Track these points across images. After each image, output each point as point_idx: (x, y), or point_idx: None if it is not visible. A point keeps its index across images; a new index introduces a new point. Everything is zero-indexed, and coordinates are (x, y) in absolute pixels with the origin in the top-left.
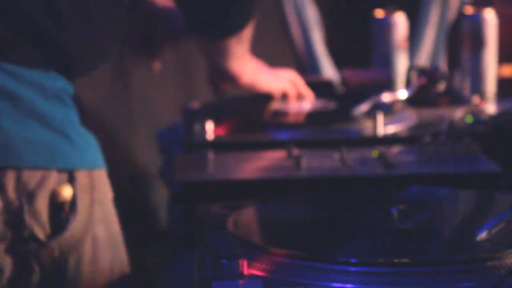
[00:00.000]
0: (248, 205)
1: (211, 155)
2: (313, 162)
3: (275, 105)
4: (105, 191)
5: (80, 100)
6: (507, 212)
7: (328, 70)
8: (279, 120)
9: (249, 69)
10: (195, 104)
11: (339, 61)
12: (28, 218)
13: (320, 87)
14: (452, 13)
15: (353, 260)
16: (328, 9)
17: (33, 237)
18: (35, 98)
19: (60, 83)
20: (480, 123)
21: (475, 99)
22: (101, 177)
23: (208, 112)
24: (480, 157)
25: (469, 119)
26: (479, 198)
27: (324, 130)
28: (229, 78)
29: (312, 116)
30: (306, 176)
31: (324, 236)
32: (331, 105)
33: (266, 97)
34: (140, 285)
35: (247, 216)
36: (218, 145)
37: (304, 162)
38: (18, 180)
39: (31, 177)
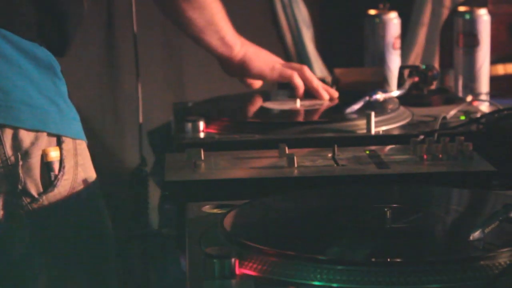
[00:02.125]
0: (239, 204)
1: (202, 154)
2: (306, 161)
3: (267, 104)
4: (86, 157)
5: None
6: (500, 211)
7: (319, 70)
8: (271, 118)
9: (244, 48)
10: (187, 103)
11: (331, 60)
12: (22, 174)
13: None
14: (444, 12)
15: (345, 260)
16: (320, 8)
17: (25, 192)
18: (30, 66)
19: (52, 58)
20: (473, 122)
21: (468, 98)
22: (83, 146)
23: (199, 111)
24: (472, 156)
25: (462, 118)
26: (472, 197)
27: (317, 129)
28: (225, 49)
29: (305, 115)
30: (298, 175)
31: (316, 235)
32: (324, 103)
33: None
34: (131, 286)
35: (239, 216)
36: (209, 144)
37: (296, 161)
38: (15, 138)
39: (26, 136)
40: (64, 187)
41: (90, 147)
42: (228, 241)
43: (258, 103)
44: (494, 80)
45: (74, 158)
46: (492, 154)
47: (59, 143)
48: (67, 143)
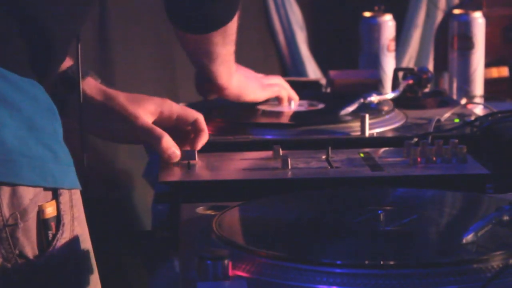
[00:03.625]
0: (233, 206)
1: (196, 155)
2: (300, 163)
3: (261, 105)
4: (80, 208)
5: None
6: (493, 214)
7: (312, 71)
8: (265, 120)
9: (236, 80)
10: (181, 105)
11: (326, 62)
12: (21, 236)
13: (307, 88)
14: (439, 15)
15: (338, 262)
16: (315, 10)
17: (22, 256)
18: (31, 110)
19: (49, 99)
20: (467, 124)
21: (462, 101)
22: (77, 196)
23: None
24: (467, 159)
25: (456, 121)
26: (466, 200)
27: (311, 130)
28: (216, 89)
29: (299, 117)
30: (292, 177)
31: (310, 237)
32: (318, 105)
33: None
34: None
35: (232, 217)
36: (203, 145)
37: (290, 163)
38: (14, 195)
39: (26, 193)
40: (61, 246)
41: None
42: (221, 242)
43: (253, 104)
44: (489, 83)
45: (71, 211)
46: (486, 157)
47: (56, 197)
48: (64, 195)
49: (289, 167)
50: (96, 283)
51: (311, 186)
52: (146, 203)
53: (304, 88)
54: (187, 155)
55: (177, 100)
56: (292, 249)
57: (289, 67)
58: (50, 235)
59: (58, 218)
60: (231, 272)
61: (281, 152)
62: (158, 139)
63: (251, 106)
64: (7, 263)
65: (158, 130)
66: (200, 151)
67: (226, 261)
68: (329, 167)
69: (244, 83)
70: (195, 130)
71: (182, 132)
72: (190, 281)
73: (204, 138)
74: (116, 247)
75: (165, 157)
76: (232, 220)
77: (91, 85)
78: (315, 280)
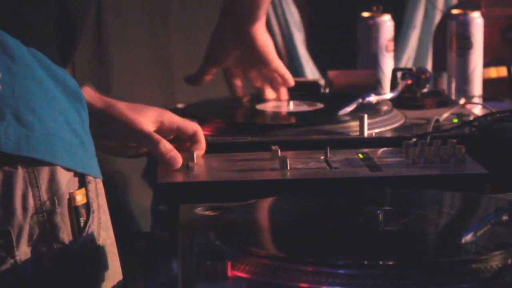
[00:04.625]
0: (232, 206)
1: (195, 156)
2: (298, 164)
3: (260, 106)
4: (104, 199)
5: None
6: (492, 215)
7: (310, 72)
8: (264, 121)
9: (264, 32)
10: (179, 105)
11: (324, 63)
12: (58, 221)
13: (306, 88)
14: (437, 15)
15: (338, 262)
16: (313, 10)
17: (59, 241)
18: (61, 95)
19: (78, 86)
20: (466, 125)
21: (461, 101)
22: (101, 185)
23: (192, 113)
24: (465, 159)
25: (455, 121)
26: (464, 200)
27: (310, 131)
28: (244, 40)
29: (298, 117)
30: (291, 178)
31: (309, 238)
32: (317, 106)
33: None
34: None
35: (231, 218)
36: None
37: (289, 164)
38: (52, 179)
39: (62, 177)
40: (92, 233)
41: None
42: (220, 243)
43: (251, 105)
44: (487, 83)
45: (97, 200)
46: (485, 157)
47: (84, 184)
48: (91, 183)
49: (288, 168)
50: (118, 270)
51: (310, 187)
52: (142, 204)
53: (302, 89)
54: (186, 156)
55: (174, 101)
56: (291, 250)
57: (287, 68)
58: (82, 222)
59: (88, 205)
60: (230, 273)
61: (279, 152)
62: (156, 143)
63: (249, 106)
64: (44, 247)
65: (156, 135)
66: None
67: (225, 262)
68: (327, 168)
69: (268, 38)
70: (193, 141)
71: (181, 143)
72: (189, 282)
73: (200, 150)
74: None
75: (165, 160)
76: (231, 221)
77: (90, 93)
78: (314, 280)
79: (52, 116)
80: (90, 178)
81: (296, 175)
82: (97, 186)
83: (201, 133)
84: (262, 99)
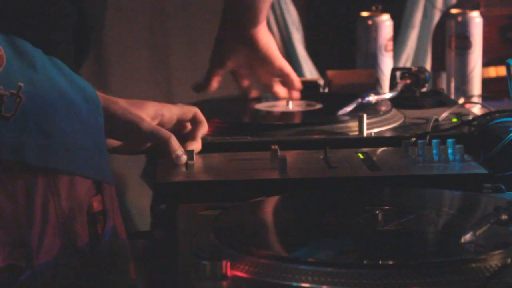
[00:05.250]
0: (231, 206)
1: (194, 156)
2: (297, 163)
3: (259, 106)
4: (116, 202)
5: None
6: (491, 214)
7: (308, 72)
8: (263, 120)
9: (266, 32)
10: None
11: (323, 62)
12: (78, 229)
13: (305, 88)
14: (436, 14)
15: (337, 262)
16: (312, 10)
17: (77, 248)
18: (81, 103)
19: (95, 92)
20: (465, 124)
21: (460, 100)
22: (114, 191)
23: None
24: (464, 158)
25: (454, 120)
26: (464, 199)
27: (309, 131)
28: (247, 43)
29: (297, 117)
30: (290, 177)
31: (308, 237)
32: (316, 105)
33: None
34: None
35: (231, 217)
36: (201, 145)
37: (289, 163)
38: (72, 187)
39: (81, 185)
40: (108, 239)
41: None
42: (219, 243)
43: (250, 104)
44: (486, 82)
45: (111, 205)
46: (484, 157)
47: (101, 191)
48: (106, 189)
49: (287, 167)
50: (132, 271)
51: (309, 186)
52: (140, 204)
53: (302, 88)
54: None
55: (172, 101)
56: (291, 249)
57: None
58: (99, 229)
59: (104, 211)
60: (229, 273)
61: (279, 152)
62: (167, 139)
63: (249, 106)
64: (63, 256)
65: (165, 131)
66: (198, 152)
67: (224, 262)
68: (327, 167)
69: (271, 38)
70: (194, 123)
71: (182, 128)
72: (188, 281)
73: (203, 129)
74: None
75: (173, 157)
76: (230, 220)
77: None
78: (313, 280)
79: (72, 125)
80: (105, 185)
81: (295, 175)
82: (111, 191)
83: (200, 114)
84: (266, 99)
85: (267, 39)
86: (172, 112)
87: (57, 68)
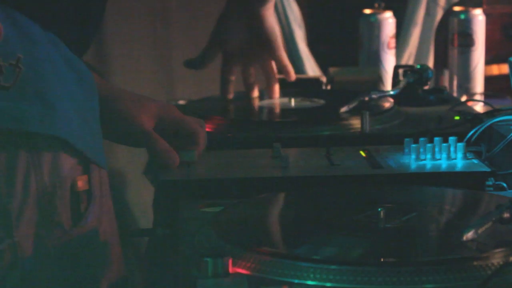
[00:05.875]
0: (233, 203)
1: (196, 156)
2: (300, 161)
3: (261, 103)
4: (108, 189)
5: None
6: (493, 212)
7: (311, 69)
8: (265, 117)
9: (272, 15)
10: (180, 102)
11: (326, 60)
12: (58, 204)
13: (307, 85)
14: (439, 12)
15: (338, 260)
16: (315, 7)
17: (58, 224)
18: (74, 81)
19: (91, 74)
20: (467, 122)
21: (463, 98)
22: (106, 176)
23: (193, 109)
24: (466, 156)
25: (456, 118)
26: (466, 197)
27: (311, 128)
28: (252, 22)
29: (299, 114)
30: (292, 175)
31: (310, 234)
32: (318, 103)
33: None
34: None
35: (232, 215)
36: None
37: (291, 161)
38: (55, 163)
39: (65, 163)
40: (92, 220)
41: None
42: (221, 240)
43: (253, 101)
44: (489, 80)
45: (100, 189)
46: (487, 155)
47: (88, 171)
48: (94, 171)
49: (289, 165)
50: (120, 265)
51: (311, 184)
52: (141, 202)
53: (304, 86)
54: (187, 155)
55: (175, 98)
56: (293, 246)
57: None
58: (83, 208)
59: (90, 192)
60: (231, 270)
61: (281, 149)
62: (154, 141)
63: (251, 103)
64: (43, 230)
65: (154, 134)
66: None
67: (226, 259)
68: (329, 165)
69: (276, 23)
70: (191, 142)
71: (180, 140)
72: (190, 278)
73: (196, 152)
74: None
75: (161, 159)
76: (232, 218)
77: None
78: (315, 277)
79: (63, 100)
80: (94, 166)
81: (297, 172)
82: (101, 176)
83: (201, 134)
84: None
85: (272, 22)
86: (173, 116)
87: (53, 45)
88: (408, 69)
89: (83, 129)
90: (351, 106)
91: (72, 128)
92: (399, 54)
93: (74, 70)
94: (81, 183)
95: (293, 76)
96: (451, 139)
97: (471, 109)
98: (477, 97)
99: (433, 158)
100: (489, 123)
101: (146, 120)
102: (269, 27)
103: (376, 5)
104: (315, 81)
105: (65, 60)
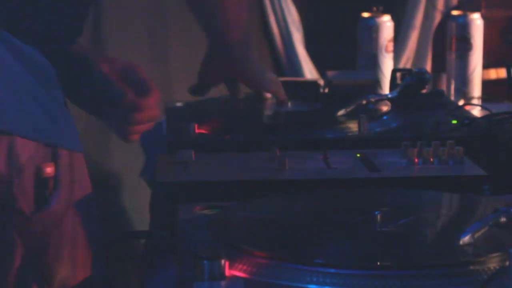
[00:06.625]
0: (230, 206)
1: (193, 156)
2: (297, 164)
3: (259, 106)
4: (83, 172)
5: None
6: (490, 216)
7: (308, 72)
8: (262, 120)
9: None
10: (178, 104)
11: (324, 63)
12: (17, 191)
13: (305, 88)
14: (437, 16)
15: (335, 263)
16: (313, 10)
17: (19, 211)
18: (23, 70)
19: (47, 63)
20: (465, 126)
21: (460, 102)
22: (80, 159)
23: (191, 112)
24: (464, 160)
25: (454, 122)
26: (463, 201)
27: (308, 131)
28: (234, 59)
29: (296, 117)
30: (289, 178)
31: (306, 238)
32: (316, 106)
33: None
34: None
35: (229, 217)
36: (201, 145)
37: (288, 164)
38: (11, 151)
39: (23, 151)
40: (59, 205)
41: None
42: (218, 242)
43: (250, 104)
44: (487, 84)
45: (70, 174)
46: (483, 159)
47: (54, 158)
48: (63, 157)
49: (286, 168)
50: (85, 261)
51: (308, 187)
52: (138, 204)
53: (301, 89)
54: (184, 155)
55: (172, 100)
56: (289, 250)
57: (285, 68)
58: (47, 193)
59: (56, 178)
60: (228, 272)
61: (278, 152)
62: (111, 82)
63: (249, 106)
64: (4, 216)
65: (112, 76)
66: (197, 151)
67: (223, 261)
68: (326, 168)
69: (258, 63)
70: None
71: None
72: (187, 281)
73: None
74: (112, 247)
75: (116, 99)
76: (229, 220)
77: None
78: (312, 280)
79: (12, 91)
80: (63, 152)
81: (294, 175)
82: (72, 161)
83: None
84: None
85: (251, 74)
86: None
87: (2, 43)
88: (406, 72)
89: (37, 116)
90: (349, 109)
91: (12, 118)
92: (397, 58)
93: (25, 62)
94: (49, 170)
95: (285, 100)
96: (449, 142)
97: (468, 113)
98: (475, 101)
99: (430, 162)
100: (486, 127)
101: (108, 69)
102: (250, 80)
103: (375, 8)
104: (313, 84)
105: (15, 54)
